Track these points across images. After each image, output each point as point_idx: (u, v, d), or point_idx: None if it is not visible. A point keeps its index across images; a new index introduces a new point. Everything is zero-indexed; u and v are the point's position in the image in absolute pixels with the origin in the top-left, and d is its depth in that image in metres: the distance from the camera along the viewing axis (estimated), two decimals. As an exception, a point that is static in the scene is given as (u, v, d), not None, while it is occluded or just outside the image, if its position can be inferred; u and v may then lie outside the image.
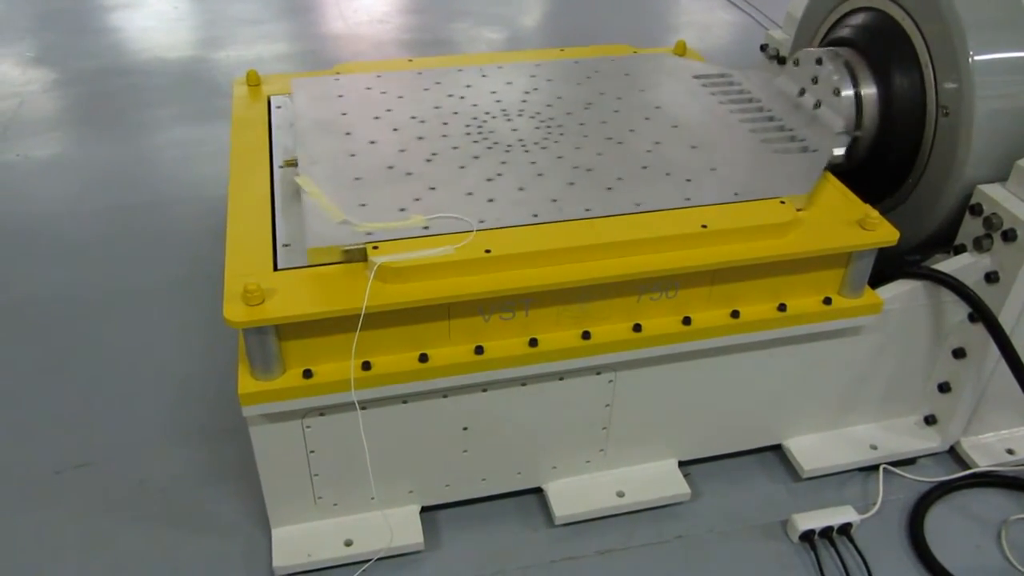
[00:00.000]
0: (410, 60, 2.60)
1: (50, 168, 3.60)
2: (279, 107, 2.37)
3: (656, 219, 1.83)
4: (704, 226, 1.80)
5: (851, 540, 2.04)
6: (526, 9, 5.59)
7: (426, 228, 1.77)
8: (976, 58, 1.92)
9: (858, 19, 2.29)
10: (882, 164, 2.20)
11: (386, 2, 5.54)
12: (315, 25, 5.19)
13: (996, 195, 1.94)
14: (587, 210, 1.85)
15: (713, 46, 4.95)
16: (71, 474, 2.19)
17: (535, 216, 1.83)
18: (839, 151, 2.15)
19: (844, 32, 2.33)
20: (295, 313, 1.60)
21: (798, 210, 1.91)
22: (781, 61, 2.72)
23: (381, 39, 4.97)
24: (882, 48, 2.18)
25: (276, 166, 2.08)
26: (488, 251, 1.70)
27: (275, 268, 1.72)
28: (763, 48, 2.85)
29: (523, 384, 1.89)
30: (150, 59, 4.65)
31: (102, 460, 2.23)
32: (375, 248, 1.68)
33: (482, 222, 1.79)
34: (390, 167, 1.99)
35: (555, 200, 1.88)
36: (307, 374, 1.70)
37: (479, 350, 1.77)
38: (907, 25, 2.09)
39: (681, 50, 2.69)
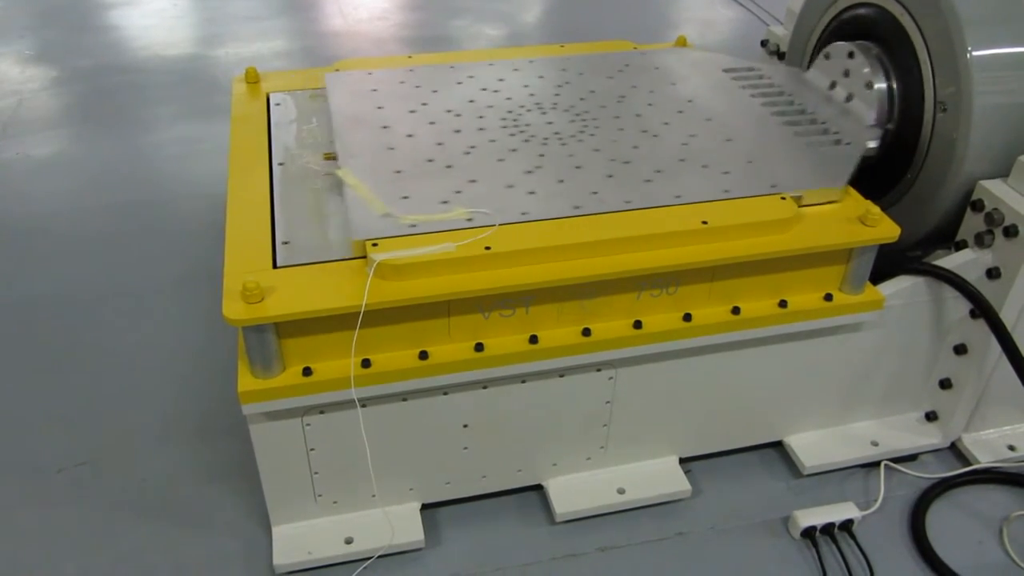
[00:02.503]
0: (410, 57, 2.60)
1: (49, 166, 3.59)
2: (278, 104, 2.36)
3: (656, 215, 1.82)
4: (704, 222, 1.79)
5: (852, 536, 2.03)
6: (526, 5, 5.58)
7: (469, 220, 1.77)
8: (974, 54, 1.92)
9: (856, 15, 2.29)
10: (884, 159, 2.20)
11: (385, -1, 5.54)
12: (314, 22, 5.19)
13: (997, 191, 1.94)
14: (627, 202, 1.85)
15: (713, 42, 4.94)
16: (72, 472, 2.19)
17: (577, 208, 1.83)
18: (872, 143, 2.15)
19: (846, 27, 2.33)
20: (294, 311, 1.60)
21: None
22: (781, 56, 2.71)
23: (381, 36, 4.96)
24: (881, 44, 2.17)
25: (276, 163, 2.07)
26: (488, 248, 1.69)
27: (274, 266, 1.72)
28: (763, 44, 2.84)
29: (523, 381, 1.88)
30: (149, 56, 4.64)
31: (103, 458, 2.23)
32: (375, 245, 1.68)
33: (524, 214, 1.80)
34: (429, 160, 2.00)
35: (595, 192, 1.88)
36: (307, 372, 1.69)
37: (479, 347, 1.76)
38: (905, 21, 2.09)
39: (682, 45, 2.69)
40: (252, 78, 2.47)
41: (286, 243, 1.78)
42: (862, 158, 2.06)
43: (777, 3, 4.75)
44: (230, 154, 2.10)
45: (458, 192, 1.87)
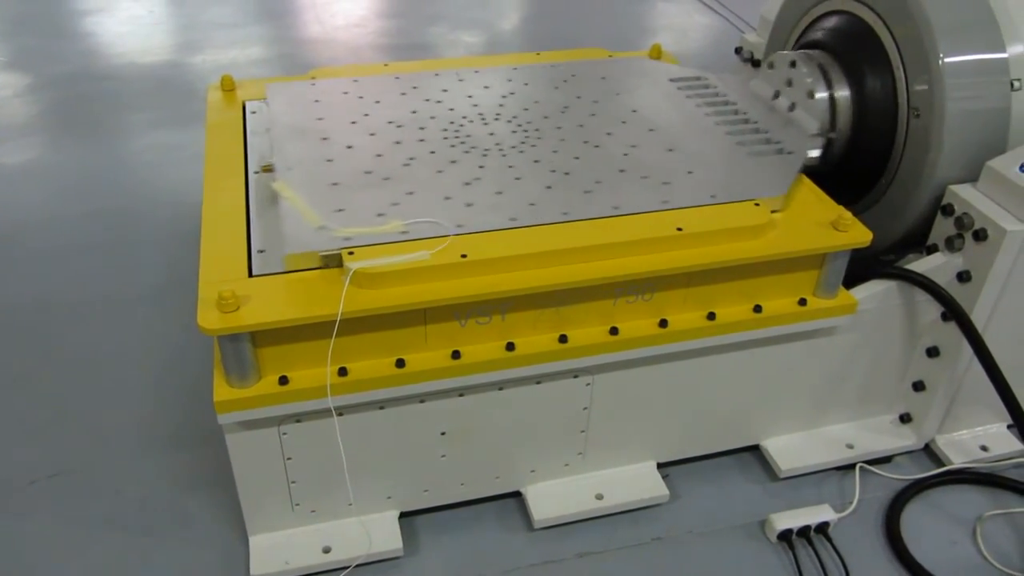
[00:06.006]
0: (386, 64, 2.59)
1: (24, 174, 3.56)
2: (254, 112, 2.36)
3: (632, 222, 1.83)
4: (679, 229, 1.80)
5: (828, 539, 2.05)
6: (503, 13, 5.59)
7: (404, 233, 1.76)
8: (946, 60, 1.95)
9: (831, 22, 2.31)
10: (856, 165, 2.22)
11: (363, 6, 5.52)
12: (291, 29, 5.17)
13: (967, 196, 1.96)
14: (564, 213, 1.85)
15: (689, 49, 4.97)
16: (46, 483, 2.17)
17: (513, 220, 1.83)
18: (814, 153, 2.18)
19: (817, 35, 2.35)
20: (270, 320, 1.59)
21: (773, 212, 1.92)
22: (756, 64, 2.74)
23: (358, 43, 4.96)
24: (854, 51, 2.20)
25: (251, 172, 2.06)
26: (464, 256, 1.70)
27: (250, 275, 1.71)
28: (738, 51, 2.87)
29: (500, 388, 1.89)
30: (125, 64, 4.61)
31: (77, 469, 2.21)
32: (350, 254, 1.68)
33: (460, 226, 1.79)
34: (367, 172, 1.99)
35: (533, 204, 1.89)
36: (283, 381, 1.69)
37: (456, 355, 1.76)
38: (878, 28, 2.11)
39: (657, 54, 2.70)
40: (228, 86, 2.47)
41: (262, 252, 1.78)
42: (809, 166, 2.09)
43: (752, 11, 4.79)
44: (206, 162, 2.09)
45: (395, 204, 1.86)
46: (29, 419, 2.36)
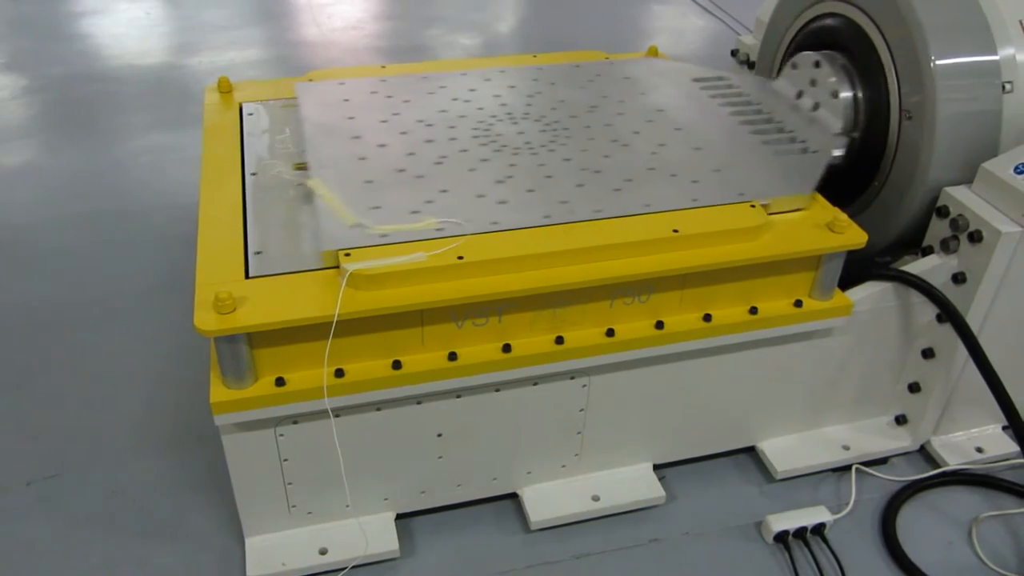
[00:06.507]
0: (383, 67, 2.60)
1: (20, 176, 3.56)
2: (251, 114, 2.36)
3: (628, 224, 1.84)
4: (675, 230, 1.81)
5: (824, 540, 2.05)
6: (500, 15, 5.60)
7: (440, 230, 1.77)
8: (938, 63, 1.95)
9: (823, 25, 2.32)
10: (851, 167, 2.23)
11: (360, 8, 5.53)
12: (288, 31, 5.18)
13: (962, 197, 1.97)
14: (597, 211, 1.86)
15: (685, 51, 4.98)
16: (42, 484, 2.17)
17: (547, 217, 1.84)
18: (838, 151, 2.19)
19: (811, 38, 2.36)
20: (267, 321, 1.59)
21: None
22: (751, 66, 2.75)
23: (355, 45, 4.96)
24: (848, 53, 2.21)
25: (248, 173, 2.07)
26: (461, 257, 1.70)
27: (247, 276, 1.71)
28: (734, 53, 2.88)
29: (497, 390, 1.89)
30: (122, 65, 4.61)
31: (74, 470, 2.21)
32: (347, 255, 1.68)
33: (494, 224, 1.80)
34: (400, 170, 2.00)
35: (565, 201, 1.90)
36: (279, 382, 1.69)
37: (453, 356, 1.77)
38: (870, 31, 2.12)
39: (653, 55, 2.71)
40: (225, 87, 2.47)
41: (258, 253, 1.78)
42: (829, 165, 2.09)
43: (747, 13, 4.81)
44: (202, 164, 2.09)
45: (429, 202, 1.88)
46: (26, 420, 2.36)
